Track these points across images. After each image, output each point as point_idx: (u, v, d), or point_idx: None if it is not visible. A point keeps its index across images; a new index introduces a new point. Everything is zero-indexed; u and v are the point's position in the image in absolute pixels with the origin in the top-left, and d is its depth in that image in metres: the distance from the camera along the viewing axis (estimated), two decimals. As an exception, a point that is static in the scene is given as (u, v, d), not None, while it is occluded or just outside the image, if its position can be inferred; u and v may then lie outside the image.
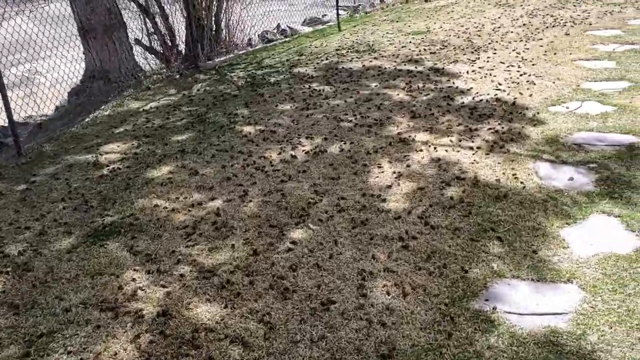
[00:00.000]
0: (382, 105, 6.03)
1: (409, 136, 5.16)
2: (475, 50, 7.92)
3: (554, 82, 6.24)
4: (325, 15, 12.02)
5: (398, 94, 6.38)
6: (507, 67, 7.03)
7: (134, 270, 3.41)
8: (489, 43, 8.24)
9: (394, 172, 4.45)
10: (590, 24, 8.63)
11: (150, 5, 9.01)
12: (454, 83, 6.59)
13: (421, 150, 4.83)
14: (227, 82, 7.57)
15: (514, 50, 7.72)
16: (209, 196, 4.29)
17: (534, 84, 6.27)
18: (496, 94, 6.05)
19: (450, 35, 8.99)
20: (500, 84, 6.37)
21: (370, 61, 7.90)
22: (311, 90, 6.79)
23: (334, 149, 4.99)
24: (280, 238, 3.62)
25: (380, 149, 4.92)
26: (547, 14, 9.70)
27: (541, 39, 8.11)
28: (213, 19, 9.57)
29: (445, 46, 8.34)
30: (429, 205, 3.89)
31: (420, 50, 8.24)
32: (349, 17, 11.77)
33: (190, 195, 4.33)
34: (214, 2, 9.48)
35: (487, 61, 7.35)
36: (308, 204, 4.03)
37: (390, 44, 8.88)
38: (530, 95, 5.91)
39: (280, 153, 5.00)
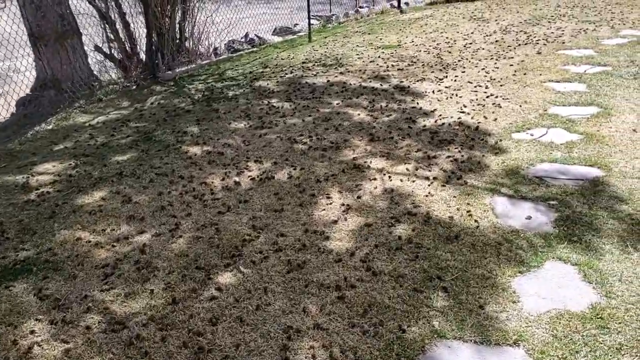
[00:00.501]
0: (341, 126, 5.71)
1: (365, 162, 4.84)
2: (444, 68, 7.65)
3: (520, 106, 5.97)
4: (296, 24, 11.71)
5: (359, 114, 6.06)
6: (475, 87, 6.76)
7: (37, 319, 3.03)
8: (459, 60, 7.98)
9: (343, 204, 4.12)
10: (564, 43, 8.41)
11: (112, 11, 8.63)
12: (418, 103, 6.29)
13: (375, 179, 4.52)
14: (184, 96, 7.20)
15: (483, 69, 7.47)
16: (138, 229, 3.92)
17: (500, 106, 6.00)
18: (460, 117, 5.76)
19: (420, 51, 8.72)
20: (465, 106, 6.09)
21: (336, 76, 7.59)
22: (269, 107, 6.45)
23: (282, 175, 4.66)
24: (205, 283, 3.26)
25: (331, 176, 4.59)
26: (521, 31, 9.48)
27: (512, 58, 7.87)
28: (177, 26, 9.21)
29: (414, 62, 8.06)
30: (375, 246, 3.57)
31: (388, 66, 7.94)
32: (321, 28, 11.46)
33: (118, 227, 3.96)
34: (178, 9, 9.11)
35: (455, 80, 7.07)
36: (243, 242, 3.68)
37: (358, 58, 8.58)
38: (495, 120, 5.63)
39: (223, 179, 4.65)
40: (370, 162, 4.85)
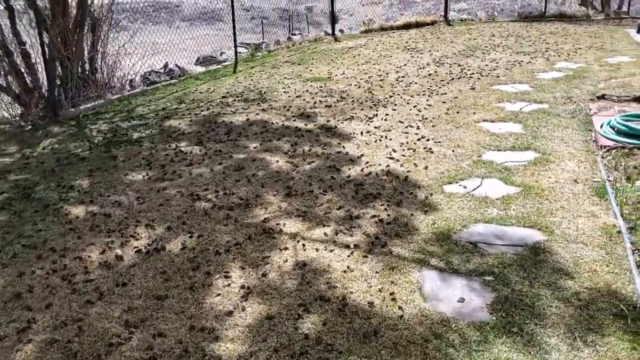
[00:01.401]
0: (254, 177, 5.01)
1: (277, 225, 4.15)
2: (375, 105, 7.10)
3: (453, 151, 5.45)
4: (223, 53, 11.02)
5: (278, 161, 5.39)
6: (406, 127, 6.22)
7: None
8: (390, 96, 7.46)
9: (243, 287, 3.41)
10: (498, 77, 8.05)
11: (9, 40, 7.70)
12: (344, 148, 5.68)
13: (286, 249, 3.83)
14: (82, 139, 6.35)
15: (415, 106, 6.96)
16: (-23, 329, 3.08)
17: (432, 152, 5.46)
18: (388, 165, 5.18)
19: (351, 84, 8.17)
20: (394, 151, 5.52)
21: (257, 114, 6.91)
22: (176, 152, 5.69)
23: (175, 246, 3.91)
24: (44, 419, 2.47)
25: (235, 246, 3.88)
26: (455, 63, 9.10)
27: (445, 94, 7.42)
28: (86, 56, 8.35)
29: (344, 98, 7.49)
30: (274, 350, 2.87)
31: (315, 102, 7.34)
32: (249, 57, 10.81)
33: (-47, 327, 3.11)
34: (87, 38, 8.27)
35: (385, 119, 6.52)
36: (109, 346, 2.90)
37: (284, 92, 7.94)
38: (426, 168, 5.07)
39: (103, 251, 3.86)
40: (284, 224, 4.17)
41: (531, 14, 14.94)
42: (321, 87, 8.12)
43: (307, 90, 7.93)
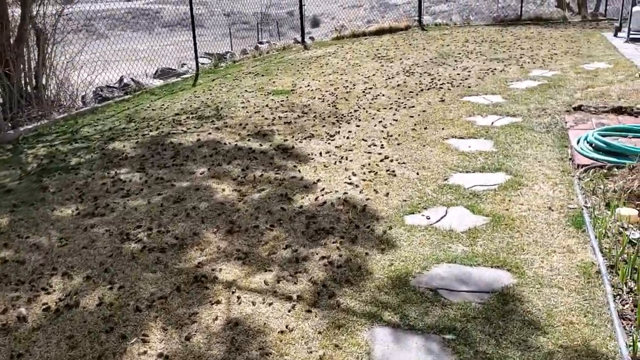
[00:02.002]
0: (195, 210, 4.49)
1: (212, 271, 3.64)
2: (338, 121, 6.61)
3: (417, 173, 4.97)
4: (184, 64, 10.47)
5: (224, 190, 4.87)
6: (369, 146, 5.74)
7: None
8: (355, 110, 6.98)
9: (162, 355, 2.89)
10: (469, 87, 7.60)
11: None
12: (300, 171, 5.18)
13: (219, 302, 3.32)
14: (15, 166, 5.78)
15: (380, 121, 6.48)
16: None
17: (395, 175, 4.98)
18: (346, 192, 4.68)
19: (315, 98, 7.68)
20: (354, 175, 5.03)
21: (210, 133, 6.39)
22: (114, 181, 5.15)
23: (90, 301, 3.37)
24: None
25: (160, 299, 3.36)
26: (425, 72, 8.65)
27: (413, 107, 6.95)
28: (33, 73, 7.78)
29: (306, 113, 6.99)
30: None
31: (274, 119, 6.83)
32: (211, 68, 10.27)
33: None
34: (31, 52, 7.70)
35: (348, 137, 6.04)
36: None
37: (243, 107, 7.43)
38: (387, 195, 4.59)
39: (5, 310, 3.31)
40: (220, 270, 3.65)
41: (507, 18, 14.59)
42: (283, 101, 7.61)
43: (267, 105, 7.42)
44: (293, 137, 6.15)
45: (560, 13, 15.20)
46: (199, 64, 10.28)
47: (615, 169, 4.80)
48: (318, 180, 4.97)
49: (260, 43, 12.40)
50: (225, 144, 6.04)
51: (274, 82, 8.78)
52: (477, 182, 4.74)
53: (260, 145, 5.94)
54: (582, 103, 6.42)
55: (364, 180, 4.93)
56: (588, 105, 6.35)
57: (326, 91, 7.99)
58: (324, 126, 6.46)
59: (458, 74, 8.34)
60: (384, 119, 6.59)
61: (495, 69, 8.50)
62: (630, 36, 9.74)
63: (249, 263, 3.72)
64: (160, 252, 3.90)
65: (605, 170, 4.75)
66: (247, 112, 7.19)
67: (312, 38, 13.61)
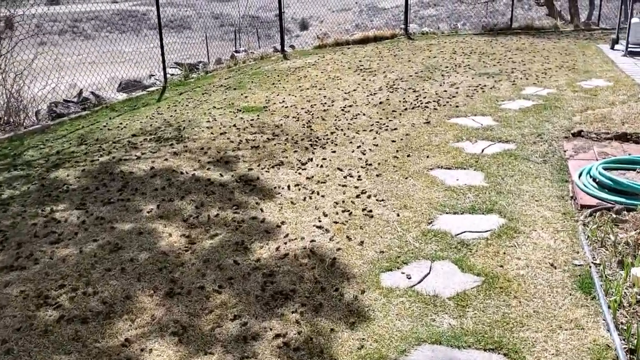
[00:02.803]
0: (132, 263, 3.78)
1: (141, 351, 2.93)
2: (312, 145, 5.93)
3: (398, 215, 4.30)
4: (152, 75, 9.73)
5: (171, 235, 4.17)
6: (345, 177, 5.06)
7: None
8: (332, 132, 6.30)
9: None
10: (457, 107, 6.95)
11: None
12: (262, 211, 4.49)
13: (141, 400, 2.61)
14: (-63, 198, 5.03)
15: (359, 146, 5.81)
16: None
17: (372, 216, 4.30)
18: (313, 240, 4.00)
19: (288, 116, 6.99)
20: (325, 215, 4.35)
21: (166, 159, 5.68)
22: (46, 222, 4.43)
23: (-23, 401, 2.65)
24: None
25: (66, 397, 2.64)
26: (410, 88, 7.99)
27: (396, 129, 6.28)
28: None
29: (277, 135, 6.30)
30: None
31: (241, 141, 6.13)
32: (181, 80, 9.54)
33: None
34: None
35: (321, 165, 5.36)
36: None
37: (208, 127, 6.72)
38: (361, 244, 3.91)
39: None
40: (151, 350, 2.95)
41: (496, 27, 14.01)
42: (253, 120, 6.92)
43: (234, 125, 6.72)
44: (259, 165, 5.45)
45: (551, 22, 14.65)
46: (168, 76, 9.57)
47: (625, 212, 4.16)
48: (283, 223, 4.28)
49: (237, 52, 11.69)
50: (181, 173, 5.33)
51: (246, 97, 8.08)
52: (467, 227, 4.08)
53: (221, 175, 5.24)
54: (582, 128, 5.79)
55: (336, 222, 4.24)
56: (589, 131, 5.71)
57: (302, 108, 7.31)
58: (295, 151, 5.77)
59: (445, 91, 7.69)
60: (363, 143, 5.92)
61: (485, 86, 7.86)
62: (629, 49, 9.16)
63: (186, 341, 3.01)
64: (81, 323, 3.18)
65: (613, 215, 4.11)
66: (211, 133, 6.49)
67: (292, 47, 12.93)
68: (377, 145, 5.84)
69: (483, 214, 4.28)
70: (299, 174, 5.22)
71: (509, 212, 4.26)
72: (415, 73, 8.89)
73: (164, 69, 9.22)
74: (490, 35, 12.67)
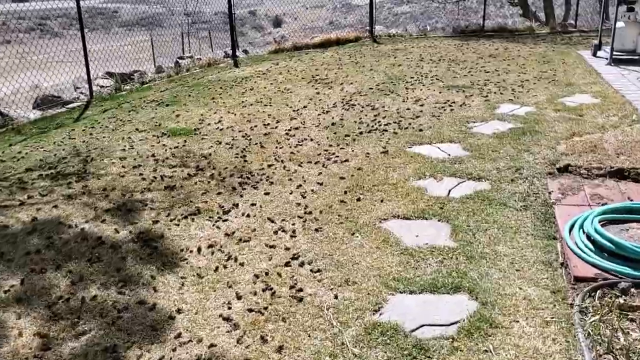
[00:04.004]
0: (-52, 390, 2.62)
1: None
2: (242, 184, 4.82)
3: (336, 296, 3.22)
4: (78, 88, 8.49)
5: (22, 333, 3.02)
6: (276, 232, 3.97)
7: None
8: (270, 165, 5.20)
9: None
10: (421, 130, 5.89)
11: None
12: (155, 290, 3.36)
13: None
14: None
15: (300, 185, 4.71)
16: None
17: (300, 299, 3.21)
18: (213, 346, 2.89)
19: (221, 142, 5.86)
20: (239, 298, 3.25)
21: (56, 206, 4.51)
22: None
23: None
24: None
25: None
26: (369, 104, 6.92)
27: (346, 161, 5.20)
28: None
29: (201, 169, 5.17)
30: None
31: (155, 179, 4.99)
32: (111, 93, 8.33)
33: None
34: None
35: (248, 215, 4.25)
36: None
37: (121, 157, 5.56)
38: (280, 350, 2.81)
39: None
40: None
41: (468, 28, 13.05)
42: (177, 147, 5.77)
43: (153, 155, 5.56)
44: (170, 214, 4.31)
45: (526, 24, 13.75)
46: (97, 88, 8.36)
47: (634, 290, 3.14)
48: (179, 311, 3.16)
49: (181, 58, 10.49)
50: (69, 226, 4.17)
51: (177, 115, 6.92)
52: (426, 317, 3.01)
53: (117, 231, 4.08)
54: (569, 161, 4.77)
55: (251, 310, 3.13)
56: (577, 165, 4.70)
57: (240, 131, 6.18)
58: (219, 193, 4.65)
59: (408, 109, 6.63)
60: (305, 180, 4.82)
61: (454, 102, 6.81)
62: (614, 57, 8.20)
63: None
64: None
65: (619, 295, 3.08)
66: (122, 166, 5.32)
67: (245, 51, 11.78)
68: (321, 184, 4.74)
69: (448, 292, 3.22)
70: (217, 227, 4.09)
71: (482, 290, 3.20)
72: (377, 85, 7.82)
73: (89, 81, 8.00)
74: (461, 38, 11.69)
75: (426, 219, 4.08)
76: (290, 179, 4.87)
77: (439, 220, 4.04)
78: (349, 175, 4.87)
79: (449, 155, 5.19)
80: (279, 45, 11.82)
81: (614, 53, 8.17)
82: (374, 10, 12.66)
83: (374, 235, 3.88)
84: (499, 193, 4.40)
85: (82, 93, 8.19)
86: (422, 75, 8.20)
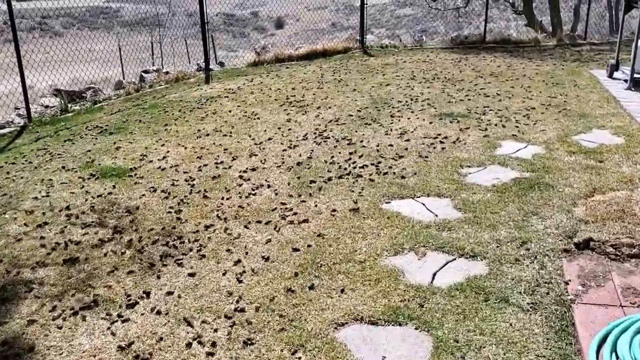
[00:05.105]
0: None
1: None
2: (165, 256, 3.71)
3: None
4: (18, 108, 7.38)
5: None
6: (187, 346, 2.86)
7: None
8: (208, 226, 4.09)
9: None
10: (403, 177, 4.76)
11: None
12: None
13: None
14: None
15: (238, 261, 3.61)
16: None
17: None
18: None
19: (157, 189, 4.75)
20: None
21: None
22: None
23: None
24: None
25: None
26: (345, 137, 5.80)
27: (306, 221, 4.08)
28: None
29: (120, 232, 4.06)
30: None
31: (57, 246, 3.88)
32: (55, 115, 7.23)
33: None
34: None
35: (159, 312, 3.14)
36: None
37: (29, 210, 4.46)
38: None
39: None
40: None
41: (467, 39, 11.93)
42: (102, 195, 4.66)
43: (67, 207, 4.45)
44: (55, 307, 3.21)
45: (531, 34, 12.63)
46: (40, 109, 7.28)
47: None
48: None
49: (146, 72, 9.37)
50: None
51: (118, 148, 5.81)
52: None
53: (-27, 339, 2.97)
54: (590, 234, 3.65)
55: None
56: (602, 240, 3.58)
57: (184, 172, 5.08)
58: (131, 272, 3.54)
59: (391, 145, 5.50)
60: (247, 253, 3.71)
61: (446, 137, 5.68)
62: (635, 78, 7.05)
63: None
64: None
65: None
66: (25, 223, 4.22)
67: (221, 64, 10.66)
68: (267, 258, 3.63)
69: None
70: (112, 333, 2.98)
71: None
72: (358, 111, 6.70)
73: (27, 105, 6.89)
74: (459, 51, 10.57)
75: (400, 324, 2.97)
76: (229, 250, 3.76)
77: (416, 328, 2.93)
78: (305, 246, 3.76)
79: (436, 216, 4.06)
80: (259, 57, 10.70)
81: (636, 76, 7.03)
82: (365, 20, 11.55)
83: (323, 356, 2.77)
84: (498, 281, 3.28)
85: (19, 115, 7.08)
86: (411, 99, 7.08)
